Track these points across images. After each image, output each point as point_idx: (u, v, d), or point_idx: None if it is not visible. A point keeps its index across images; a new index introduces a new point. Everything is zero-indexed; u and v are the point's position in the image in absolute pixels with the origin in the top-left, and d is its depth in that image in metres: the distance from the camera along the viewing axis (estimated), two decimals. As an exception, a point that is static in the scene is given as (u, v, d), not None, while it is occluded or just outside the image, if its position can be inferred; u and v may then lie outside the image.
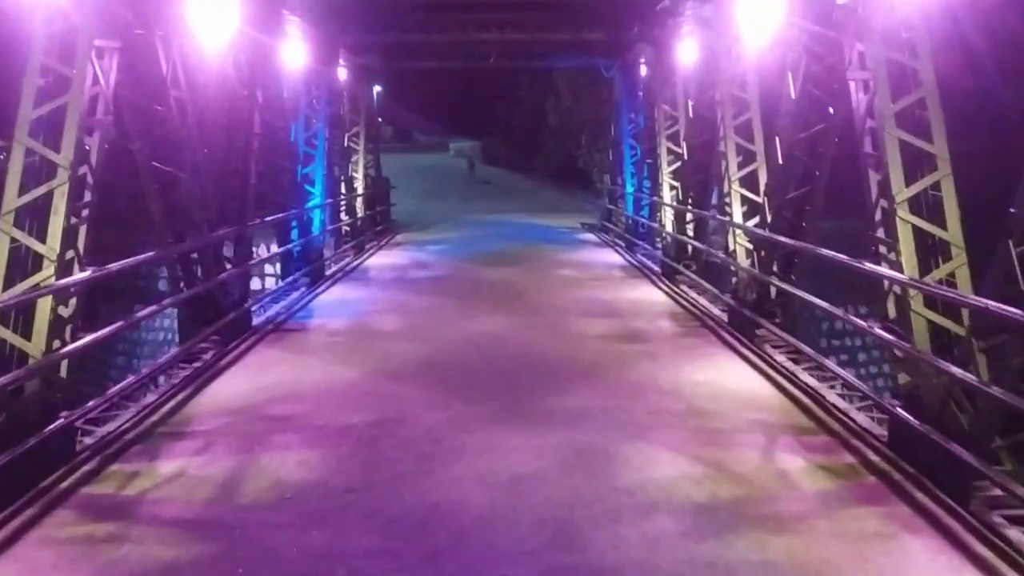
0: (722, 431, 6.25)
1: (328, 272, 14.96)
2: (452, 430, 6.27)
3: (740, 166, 10.78)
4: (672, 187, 15.06)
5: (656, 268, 15.11)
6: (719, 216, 11.07)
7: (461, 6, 15.51)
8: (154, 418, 6.74)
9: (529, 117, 41.18)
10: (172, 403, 7.18)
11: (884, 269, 6.32)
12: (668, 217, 14.76)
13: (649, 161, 17.49)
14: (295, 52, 13.88)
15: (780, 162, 8.85)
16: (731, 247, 10.73)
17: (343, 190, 17.77)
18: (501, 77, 42.85)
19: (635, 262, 16.13)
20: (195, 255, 9.24)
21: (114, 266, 6.62)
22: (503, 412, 6.69)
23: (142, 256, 7.55)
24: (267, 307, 11.68)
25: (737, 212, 10.57)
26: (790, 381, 7.71)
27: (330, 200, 15.47)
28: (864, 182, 6.71)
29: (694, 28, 13.01)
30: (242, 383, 7.70)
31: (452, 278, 14.12)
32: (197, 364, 8.52)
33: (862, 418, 6.72)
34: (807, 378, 7.79)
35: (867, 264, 6.47)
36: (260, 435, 6.21)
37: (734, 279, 10.55)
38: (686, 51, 13.74)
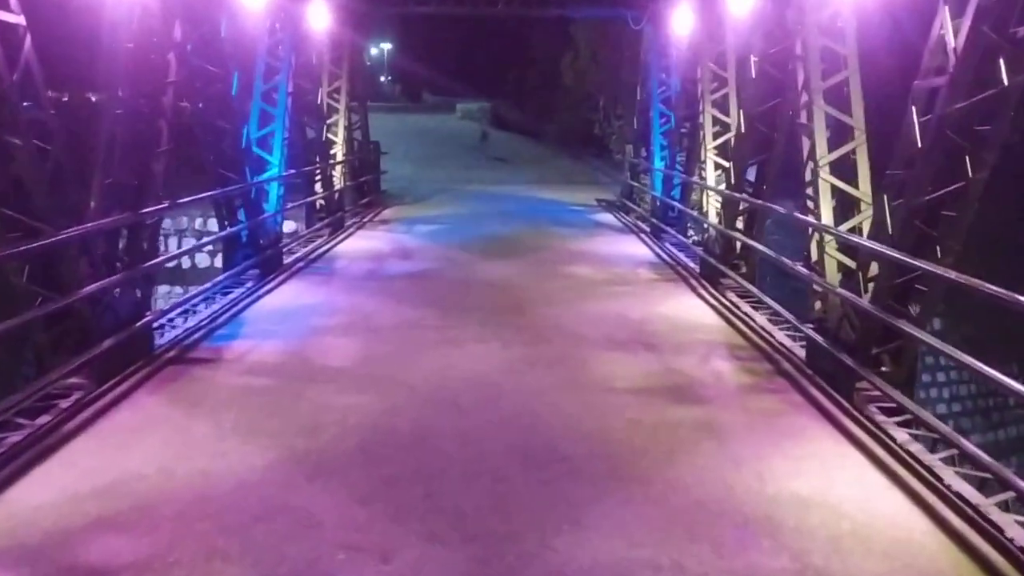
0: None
1: (288, 260, 12.12)
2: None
3: (829, 146, 7.85)
4: (717, 166, 12.10)
5: (692, 265, 12.23)
6: (798, 215, 8.12)
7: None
8: None
9: (542, 77, 37.84)
10: (-49, 513, 4.40)
11: None
12: (712, 204, 11.82)
13: (685, 131, 14.51)
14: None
15: (919, 145, 5.90)
16: (813, 256, 7.83)
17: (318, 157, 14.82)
18: (513, 31, 39.58)
19: (665, 256, 13.22)
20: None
21: None
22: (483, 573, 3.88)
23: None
24: (197, 310, 8.93)
25: (826, 210, 7.64)
26: (940, 496, 4.84)
27: (292, 171, 12.56)
28: None
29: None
30: (77, 473, 4.89)
31: (439, 275, 11.25)
32: (45, 419, 5.76)
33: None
34: (966, 489, 4.93)
35: None
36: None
37: (817, 303, 7.66)
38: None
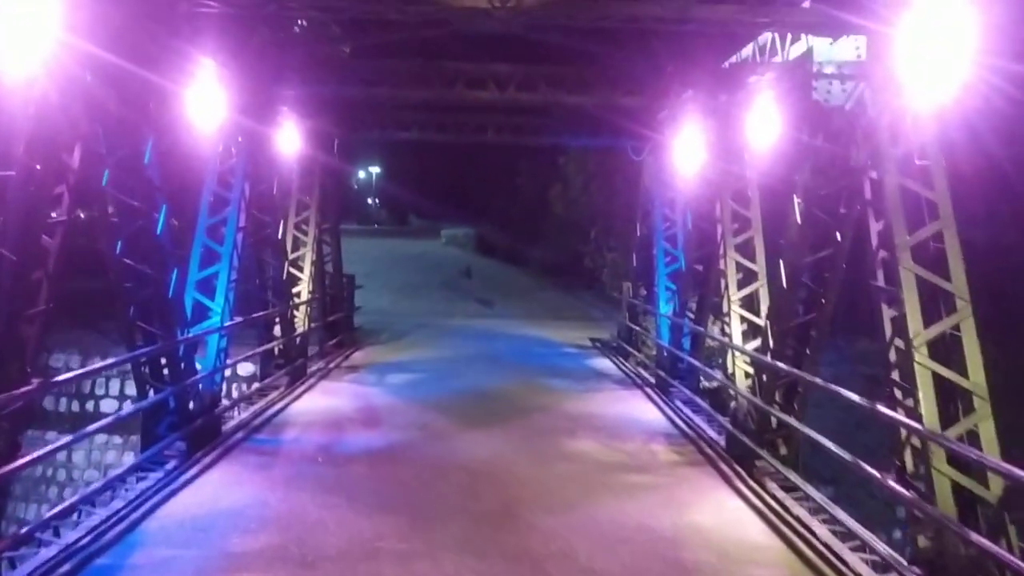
0: None
1: (228, 425, 10.00)
2: None
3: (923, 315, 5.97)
4: (743, 320, 10.24)
5: (713, 434, 10.25)
6: (883, 408, 6.12)
7: (444, 48, 10.97)
8: None
9: (530, 203, 36.66)
10: None
11: None
12: (740, 367, 9.88)
13: (699, 269, 12.72)
14: (199, 98, 9.40)
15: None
16: (909, 466, 5.81)
17: (273, 294, 12.86)
18: (501, 158, 38.77)
19: (680, 421, 11.16)
20: None
21: None
22: None
23: None
24: (89, 513, 6.75)
25: (929, 408, 5.66)
26: None
27: (239, 319, 10.55)
28: None
29: (796, 84, 8.41)
30: None
31: (408, 454, 9.07)
32: None
33: None
34: None
35: None
36: None
37: (921, 537, 5.58)
38: (768, 122, 9.21)
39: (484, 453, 8.99)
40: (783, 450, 8.91)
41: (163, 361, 8.62)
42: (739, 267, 10.49)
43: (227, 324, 10.01)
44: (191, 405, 9.05)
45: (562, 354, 17.50)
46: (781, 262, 8.34)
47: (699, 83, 11.22)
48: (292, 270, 14.68)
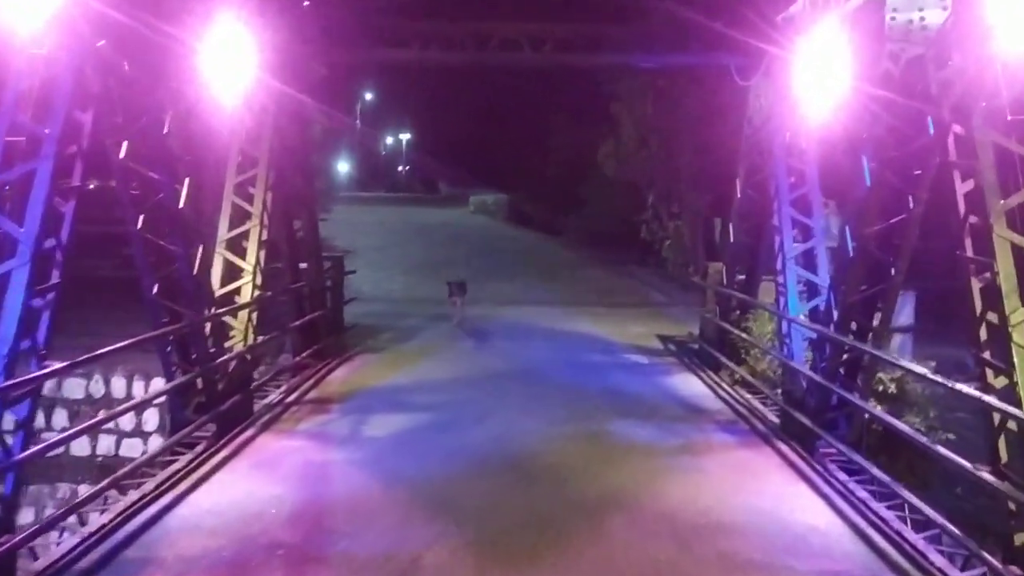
0: None
1: (34, 566, 5.25)
2: None
3: None
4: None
5: (940, 563, 5.37)
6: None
7: None
8: None
9: (571, 165, 31.38)
10: None
11: None
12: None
13: (876, 254, 7.64)
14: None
15: None
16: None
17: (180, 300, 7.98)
18: (536, 110, 33.81)
19: (871, 529, 6.18)
20: None
21: None
22: None
23: None
24: None
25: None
26: None
27: (54, 366, 5.64)
28: None
29: None
30: None
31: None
32: None
33: None
34: None
35: None
36: None
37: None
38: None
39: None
40: None
41: None
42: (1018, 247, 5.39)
43: (27, 378, 5.16)
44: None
45: (628, 366, 12.53)
46: None
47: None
48: (231, 256, 9.86)
